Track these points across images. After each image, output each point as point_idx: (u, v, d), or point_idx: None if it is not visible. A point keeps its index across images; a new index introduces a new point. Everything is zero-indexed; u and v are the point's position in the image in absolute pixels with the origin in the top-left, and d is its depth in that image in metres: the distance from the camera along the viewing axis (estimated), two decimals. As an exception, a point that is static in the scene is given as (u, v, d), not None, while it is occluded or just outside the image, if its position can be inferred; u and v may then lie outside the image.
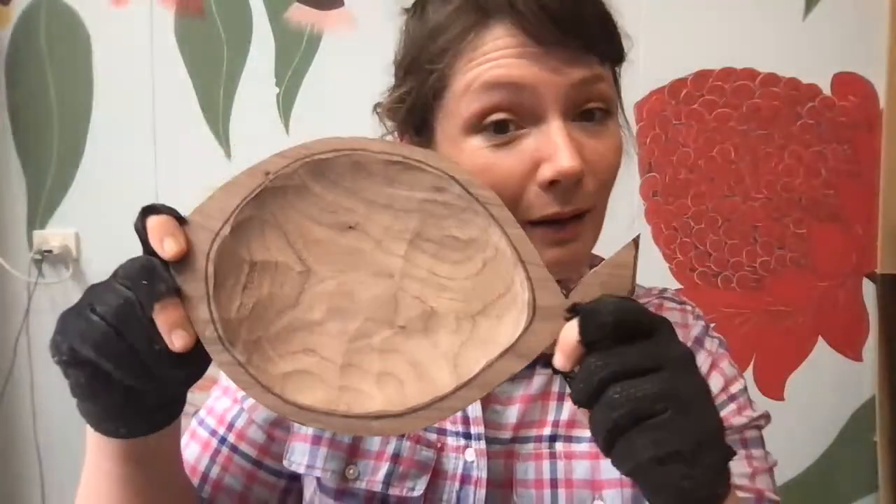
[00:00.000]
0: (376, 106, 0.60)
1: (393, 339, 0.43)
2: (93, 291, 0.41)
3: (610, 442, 0.37)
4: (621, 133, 0.55)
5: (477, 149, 0.50)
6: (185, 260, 0.40)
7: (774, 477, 0.60)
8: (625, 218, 1.36)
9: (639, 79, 1.36)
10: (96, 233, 1.47)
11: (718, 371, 0.62)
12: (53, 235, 1.46)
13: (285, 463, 0.59)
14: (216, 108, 1.43)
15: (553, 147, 0.49)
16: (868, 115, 1.34)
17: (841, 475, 1.38)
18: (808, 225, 1.35)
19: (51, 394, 1.49)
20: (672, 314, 0.64)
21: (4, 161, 1.47)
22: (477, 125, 0.50)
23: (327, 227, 0.43)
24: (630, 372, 0.37)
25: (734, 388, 0.61)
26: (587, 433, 0.52)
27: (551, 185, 0.49)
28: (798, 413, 1.37)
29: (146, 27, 1.42)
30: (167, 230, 0.40)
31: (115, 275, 0.42)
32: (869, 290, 1.36)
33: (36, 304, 1.48)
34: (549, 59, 0.49)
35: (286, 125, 1.42)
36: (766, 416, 0.62)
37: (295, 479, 0.61)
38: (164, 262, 0.41)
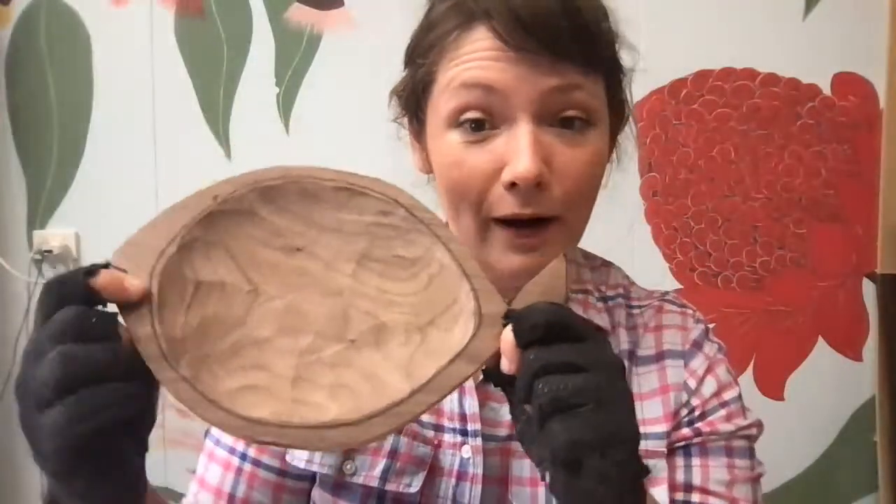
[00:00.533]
0: (392, 91, 0.62)
1: (344, 353, 0.43)
2: (34, 384, 0.37)
3: (537, 430, 0.38)
4: (605, 143, 0.55)
5: (454, 143, 0.53)
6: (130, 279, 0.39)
7: (759, 487, 0.60)
8: (625, 218, 1.36)
9: (639, 79, 1.35)
10: (96, 233, 1.47)
11: (713, 376, 0.62)
12: (53, 235, 1.46)
13: (287, 458, 0.59)
14: (216, 108, 1.43)
15: (516, 150, 0.50)
16: (868, 115, 1.33)
17: (841, 475, 1.38)
18: (808, 225, 1.35)
19: (51, 394, 1.49)
20: (672, 317, 0.64)
21: (4, 161, 1.47)
22: (455, 121, 0.53)
23: (275, 250, 0.44)
24: (559, 366, 0.38)
25: (727, 395, 0.61)
26: None
27: (512, 186, 0.51)
28: (798, 413, 1.37)
29: (146, 27, 1.42)
30: (113, 274, 0.38)
31: (39, 354, 0.37)
32: (869, 290, 1.36)
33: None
34: (523, 64, 0.50)
35: (286, 125, 1.42)
36: (759, 425, 0.62)
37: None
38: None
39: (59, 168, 1.46)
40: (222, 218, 0.44)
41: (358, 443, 0.40)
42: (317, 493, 0.59)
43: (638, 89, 1.35)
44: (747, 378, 1.37)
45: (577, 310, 0.51)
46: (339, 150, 1.44)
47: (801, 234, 1.35)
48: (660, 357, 0.61)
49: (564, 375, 0.38)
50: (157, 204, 1.45)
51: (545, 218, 0.52)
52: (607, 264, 0.68)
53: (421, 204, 0.46)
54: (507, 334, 0.40)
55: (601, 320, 0.61)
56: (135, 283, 0.39)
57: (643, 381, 0.60)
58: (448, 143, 0.53)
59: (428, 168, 0.59)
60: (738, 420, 0.60)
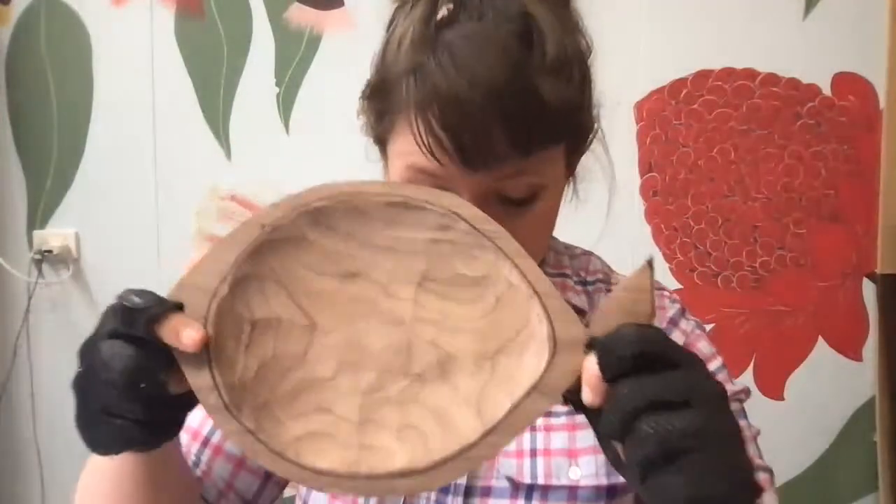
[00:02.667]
0: (358, 111, 0.61)
1: (410, 389, 0.40)
2: (101, 398, 0.39)
3: (643, 476, 0.35)
4: (558, 197, 0.56)
5: None
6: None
7: (759, 445, 0.61)
8: (625, 218, 1.36)
9: (639, 79, 1.36)
10: (96, 233, 1.47)
11: (694, 349, 0.63)
12: (53, 235, 1.46)
13: None
14: (216, 108, 1.43)
15: None
16: (868, 115, 1.34)
17: (841, 475, 1.38)
18: (808, 225, 1.35)
19: (51, 394, 1.49)
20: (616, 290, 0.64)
21: (4, 161, 1.47)
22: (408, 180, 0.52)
23: (330, 277, 0.41)
24: (659, 404, 0.35)
25: (712, 366, 0.62)
26: (564, 409, 0.55)
27: None
28: (798, 413, 1.37)
29: (146, 27, 1.42)
30: (181, 324, 0.38)
31: (97, 369, 0.39)
32: (869, 290, 1.36)
33: (36, 304, 1.48)
34: (463, 163, 0.49)
35: (286, 125, 1.42)
36: (746, 392, 0.64)
37: None
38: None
39: (59, 168, 1.46)
40: (272, 247, 0.41)
41: (428, 489, 0.39)
42: None
43: (638, 89, 1.36)
44: (747, 378, 1.37)
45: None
46: (339, 151, 1.44)
47: (801, 234, 1.36)
48: None
49: (667, 414, 0.34)
50: (157, 204, 1.45)
51: None
52: (587, 253, 0.69)
53: (484, 215, 0.41)
54: (592, 365, 0.37)
55: (579, 301, 0.62)
56: (193, 336, 0.38)
57: None
58: None
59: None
60: (728, 386, 0.61)
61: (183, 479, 0.57)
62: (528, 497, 0.56)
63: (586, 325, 0.39)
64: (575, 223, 0.65)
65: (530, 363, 0.39)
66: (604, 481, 0.56)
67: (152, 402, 0.39)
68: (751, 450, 0.59)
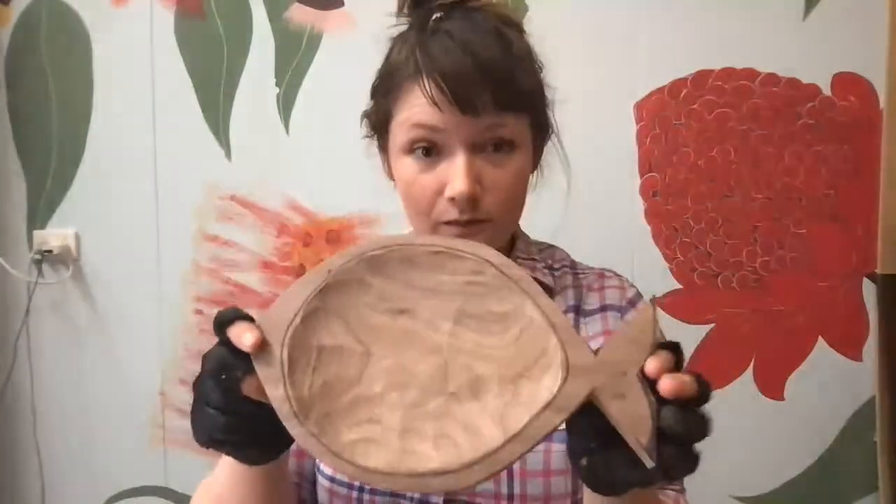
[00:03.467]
0: (363, 114, 0.76)
1: (446, 405, 0.49)
2: (199, 388, 0.51)
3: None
4: (527, 160, 0.70)
5: (408, 166, 0.68)
6: (263, 349, 0.48)
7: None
8: (625, 218, 1.36)
9: (639, 79, 1.36)
10: (96, 233, 1.47)
11: None
12: (53, 235, 1.46)
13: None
14: (216, 108, 1.43)
15: (454, 174, 0.65)
16: (868, 115, 1.34)
17: (841, 475, 1.38)
18: (808, 225, 1.35)
19: (51, 394, 1.49)
20: (612, 280, 0.78)
21: (4, 161, 1.47)
22: (409, 149, 0.67)
23: (382, 313, 0.51)
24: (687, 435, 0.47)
25: None
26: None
27: (452, 200, 0.65)
28: (798, 413, 1.37)
29: (146, 27, 1.43)
30: (243, 328, 0.49)
31: (203, 367, 0.51)
32: (869, 290, 1.36)
33: (36, 304, 1.48)
34: (456, 111, 0.64)
35: (286, 125, 1.42)
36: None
37: None
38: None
39: (59, 168, 1.46)
40: (337, 288, 0.51)
41: (458, 487, 0.46)
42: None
43: (638, 89, 1.36)
44: (747, 378, 1.38)
45: (527, 273, 0.59)
46: (339, 151, 1.44)
47: (801, 234, 1.36)
48: (603, 309, 0.74)
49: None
50: (156, 204, 1.45)
51: (480, 220, 0.66)
52: (552, 246, 0.81)
53: (509, 261, 0.51)
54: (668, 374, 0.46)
55: (547, 280, 0.75)
56: (250, 337, 0.48)
57: (589, 326, 0.73)
58: (404, 165, 0.68)
59: (393, 176, 0.73)
60: None
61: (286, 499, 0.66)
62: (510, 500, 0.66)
63: (595, 352, 0.47)
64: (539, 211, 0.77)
65: (547, 385, 0.47)
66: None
67: (230, 394, 0.49)
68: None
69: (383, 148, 0.74)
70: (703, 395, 0.46)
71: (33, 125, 1.46)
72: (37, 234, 1.47)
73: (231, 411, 0.49)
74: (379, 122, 0.72)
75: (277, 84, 1.41)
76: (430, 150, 0.66)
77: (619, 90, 1.36)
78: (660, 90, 1.36)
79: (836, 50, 1.33)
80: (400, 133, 0.68)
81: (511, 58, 0.67)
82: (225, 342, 0.50)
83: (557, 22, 1.34)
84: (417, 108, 0.65)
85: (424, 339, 0.50)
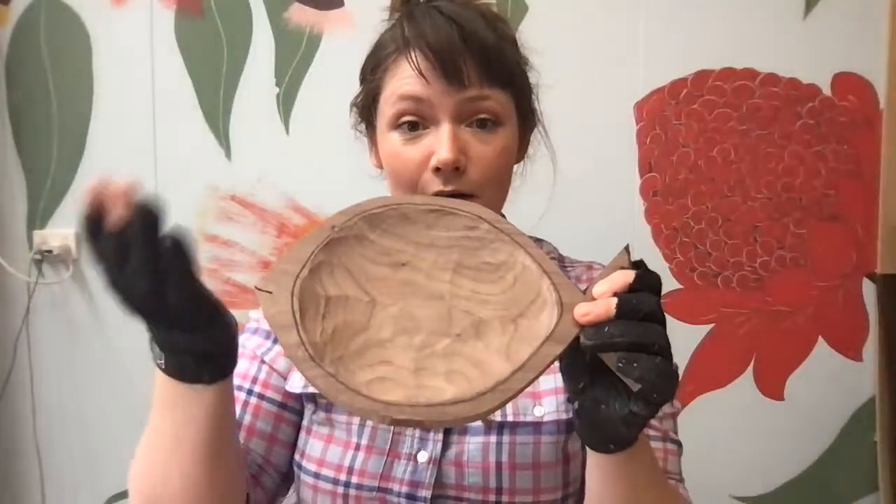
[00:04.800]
0: (351, 103, 0.76)
1: (453, 345, 0.51)
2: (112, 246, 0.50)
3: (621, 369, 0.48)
4: (512, 139, 0.70)
5: (394, 141, 0.68)
6: (274, 297, 0.50)
7: (678, 422, 0.71)
8: (625, 218, 1.36)
9: (639, 79, 1.36)
10: (96, 233, 1.47)
11: None
12: (53, 235, 1.46)
13: (287, 387, 0.70)
14: (216, 108, 1.43)
15: (439, 143, 0.65)
16: (868, 115, 1.34)
17: (841, 475, 1.38)
18: (808, 225, 1.35)
19: (51, 394, 1.49)
20: (599, 272, 0.73)
21: (4, 161, 1.47)
22: (395, 123, 0.67)
23: (384, 266, 0.54)
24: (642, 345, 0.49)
25: None
26: None
27: (437, 170, 0.65)
28: (798, 413, 1.37)
29: (146, 27, 1.42)
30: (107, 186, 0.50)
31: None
32: (869, 290, 1.36)
33: (36, 304, 1.48)
34: (442, 82, 0.65)
35: (286, 125, 1.42)
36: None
37: None
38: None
39: (59, 168, 1.46)
40: (340, 243, 0.54)
41: (475, 414, 0.47)
42: (315, 417, 0.70)
43: (638, 89, 1.36)
44: (747, 378, 1.38)
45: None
46: (339, 151, 1.44)
47: (801, 234, 1.36)
48: None
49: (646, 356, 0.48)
50: (157, 204, 1.45)
51: (464, 194, 0.65)
52: (539, 240, 0.80)
53: (501, 217, 0.55)
54: (622, 275, 0.50)
55: None
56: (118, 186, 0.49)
57: None
58: (390, 140, 0.68)
59: (380, 164, 0.73)
60: None
61: (237, 450, 0.63)
62: (500, 433, 0.66)
63: (584, 292, 0.51)
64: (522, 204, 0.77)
65: (544, 322, 0.50)
66: (563, 416, 0.67)
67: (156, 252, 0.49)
68: (668, 424, 0.69)
69: (371, 136, 0.75)
70: (637, 305, 0.48)
71: (33, 125, 1.46)
72: (37, 234, 1.47)
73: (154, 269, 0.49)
74: (366, 103, 0.73)
75: (277, 84, 1.41)
76: (416, 124, 0.67)
77: (619, 90, 1.36)
78: (660, 90, 1.36)
79: (836, 50, 1.33)
80: (387, 108, 0.68)
81: (497, 35, 0.68)
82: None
83: (557, 22, 1.34)
84: (404, 80, 0.66)
85: (426, 288, 0.53)
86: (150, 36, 1.43)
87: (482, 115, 0.67)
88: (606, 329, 0.47)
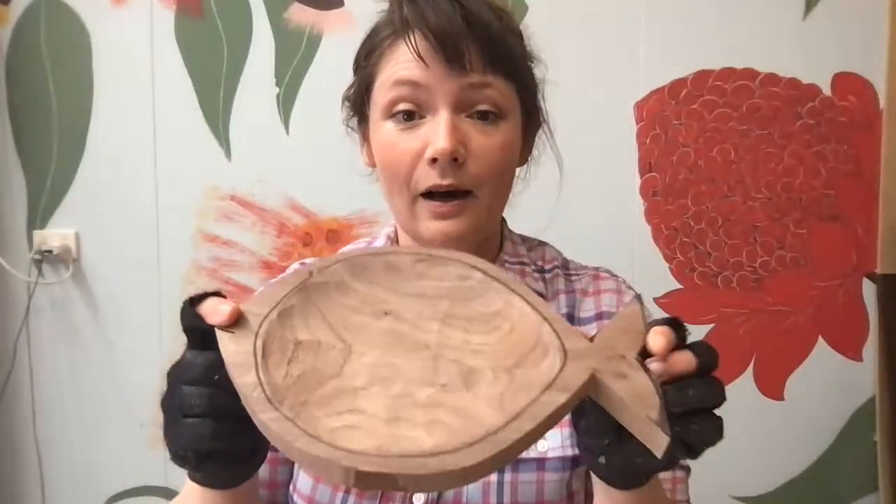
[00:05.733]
0: (343, 97, 0.72)
1: (436, 396, 0.44)
2: (169, 403, 0.46)
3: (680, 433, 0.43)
4: (515, 135, 0.65)
5: (389, 131, 0.63)
6: (236, 336, 0.44)
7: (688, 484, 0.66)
8: (625, 218, 1.36)
9: (639, 79, 1.36)
10: (96, 233, 1.47)
11: None
12: (53, 235, 1.46)
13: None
14: (216, 108, 1.43)
15: (436, 132, 0.60)
16: (868, 115, 1.34)
17: (841, 475, 1.38)
18: (808, 225, 1.35)
19: (51, 394, 1.49)
20: (608, 283, 0.72)
21: (4, 161, 1.47)
22: (389, 112, 0.63)
23: (365, 315, 0.48)
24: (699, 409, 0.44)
25: None
26: None
27: (434, 162, 0.60)
28: (798, 413, 1.37)
29: (146, 27, 1.42)
30: (218, 302, 0.45)
31: (176, 380, 0.46)
32: (869, 290, 1.36)
33: (36, 304, 1.48)
34: (444, 66, 0.60)
35: (286, 125, 1.42)
36: None
37: None
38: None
39: (59, 168, 1.46)
40: (317, 289, 0.49)
41: (459, 468, 0.39)
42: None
43: (638, 89, 1.36)
44: (747, 378, 1.38)
45: (516, 277, 0.56)
46: (339, 151, 1.44)
47: (801, 234, 1.36)
48: (598, 317, 0.69)
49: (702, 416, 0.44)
50: (157, 204, 1.45)
51: (462, 191, 0.62)
52: (542, 244, 0.76)
53: (496, 266, 0.50)
54: (664, 334, 0.44)
55: (538, 286, 0.70)
56: (226, 309, 0.44)
57: None
58: (384, 130, 0.63)
59: (373, 162, 0.68)
60: None
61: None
62: (501, 470, 0.61)
63: (590, 340, 0.45)
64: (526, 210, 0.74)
65: (545, 370, 0.44)
66: (569, 452, 0.62)
67: (216, 395, 0.44)
68: (680, 490, 0.65)
69: (363, 131, 0.70)
70: (707, 363, 0.44)
71: (33, 125, 1.46)
72: (37, 234, 1.47)
73: (220, 414, 0.44)
74: (359, 93, 0.68)
75: (277, 84, 1.41)
76: (412, 113, 0.62)
77: (619, 90, 1.36)
78: (660, 90, 1.36)
79: (836, 50, 1.33)
80: (381, 96, 0.63)
81: (502, 22, 0.64)
82: (194, 342, 0.46)
83: (557, 22, 1.34)
84: (401, 64, 0.62)
85: (410, 338, 0.47)
86: (150, 36, 1.43)
87: (483, 106, 0.62)
88: (691, 392, 0.42)
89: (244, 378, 0.42)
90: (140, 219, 1.46)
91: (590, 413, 0.46)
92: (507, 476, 0.61)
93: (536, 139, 0.72)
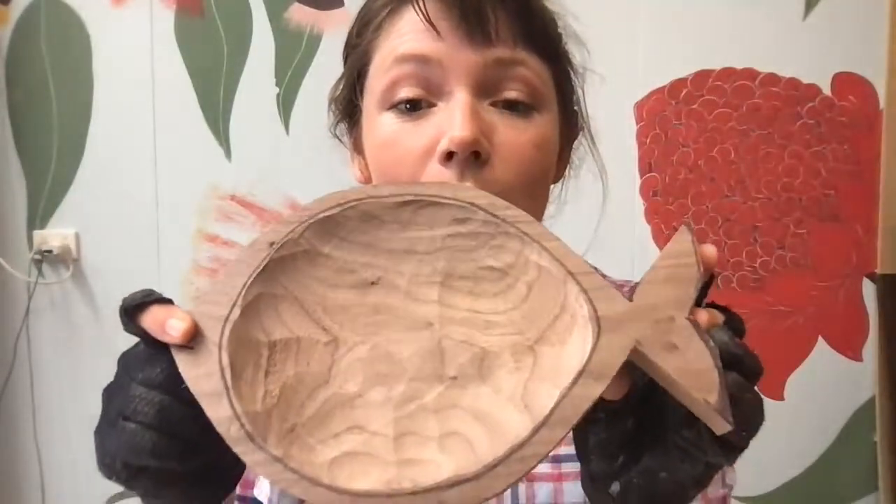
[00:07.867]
0: (329, 98, 0.60)
1: (447, 394, 0.36)
2: (113, 398, 0.37)
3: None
4: (553, 131, 0.50)
5: (387, 125, 0.48)
6: (195, 354, 0.35)
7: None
8: (625, 218, 1.36)
9: (639, 79, 1.36)
10: (96, 233, 1.47)
11: None
12: (53, 235, 1.46)
13: (255, 492, 0.57)
14: (216, 108, 1.43)
15: (451, 119, 0.45)
16: (868, 115, 1.34)
17: (841, 475, 1.38)
18: (808, 225, 1.35)
19: (51, 394, 1.49)
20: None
21: (4, 161, 1.47)
22: (389, 101, 0.48)
23: (347, 289, 0.39)
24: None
25: None
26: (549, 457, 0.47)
27: (448, 159, 0.45)
28: (798, 413, 1.37)
29: (146, 27, 1.42)
30: (165, 314, 0.35)
31: (126, 374, 0.37)
32: (869, 290, 1.36)
33: (36, 304, 1.48)
34: (461, 36, 0.46)
35: (286, 125, 1.42)
36: None
37: None
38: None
39: (59, 168, 1.46)
40: (282, 265, 0.38)
41: (482, 498, 0.33)
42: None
43: (638, 89, 1.36)
44: (747, 378, 1.38)
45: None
46: (339, 150, 1.44)
47: (801, 234, 1.36)
48: None
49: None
50: (157, 204, 1.45)
51: None
52: None
53: (501, 200, 0.39)
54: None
55: None
56: (178, 325, 0.34)
57: None
58: (382, 124, 0.49)
59: (367, 176, 0.55)
60: None
61: None
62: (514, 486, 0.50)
63: (630, 299, 0.36)
64: (567, 225, 0.63)
65: (574, 348, 0.36)
66: None
67: (167, 410, 0.35)
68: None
69: (354, 137, 0.58)
70: (740, 330, 0.38)
71: (33, 125, 1.46)
72: (37, 234, 1.47)
73: (167, 431, 0.35)
74: (350, 86, 0.55)
75: (277, 84, 1.41)
76: (417, 102, 0.47)
77: (619, 90, 1.36)
78: (660, 90, 1.36)
79: (836, 50, 1.33)
80: (378, 80, 0.49)
81: None
82: (144, 338, 0.36)
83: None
84: (404, 36, 0.48)
85: (406, 314, 0.38)
86: (150, 36, 1.43)
87: (513, 93, 0.47)
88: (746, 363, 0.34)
89: (217, 412, 0.34)
90: (140, 219, 1.46)
91: (599, 424, 0.37)
92: (522, 491, 0.53)
93: (573, 151, 0.58)
